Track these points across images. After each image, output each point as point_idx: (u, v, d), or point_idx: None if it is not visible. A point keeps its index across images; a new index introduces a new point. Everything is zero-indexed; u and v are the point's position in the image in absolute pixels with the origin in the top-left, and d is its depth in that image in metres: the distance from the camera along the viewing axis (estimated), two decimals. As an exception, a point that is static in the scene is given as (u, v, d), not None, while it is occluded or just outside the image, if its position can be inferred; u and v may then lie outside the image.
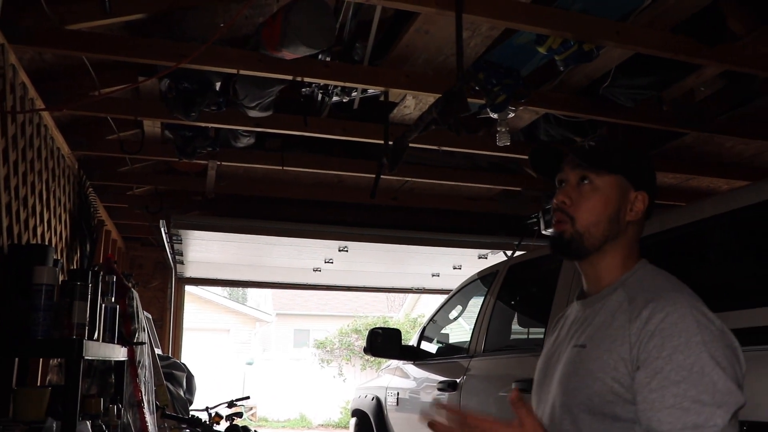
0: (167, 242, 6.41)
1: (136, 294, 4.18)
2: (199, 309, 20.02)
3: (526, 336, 4.24)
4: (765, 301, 2.32)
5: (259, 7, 3.48)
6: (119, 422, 3.45)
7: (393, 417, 5.38)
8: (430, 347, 5.21)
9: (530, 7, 2.99)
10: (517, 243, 5.64)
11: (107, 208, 6.08)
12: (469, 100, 3.48)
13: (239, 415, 6.13)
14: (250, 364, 20.64)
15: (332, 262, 7.51)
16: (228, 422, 5.85)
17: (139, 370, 3.95)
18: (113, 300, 3.22)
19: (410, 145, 3.58)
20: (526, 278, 4.26)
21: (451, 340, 5.38)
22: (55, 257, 2.74)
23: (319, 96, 4.00)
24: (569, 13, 3.02)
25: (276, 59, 3.26)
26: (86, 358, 2.43)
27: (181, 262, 7.50)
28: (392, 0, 2.80)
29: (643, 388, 1.28)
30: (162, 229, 5.90)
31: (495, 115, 3.72)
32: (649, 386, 1.27)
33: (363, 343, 5.13)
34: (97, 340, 2.80)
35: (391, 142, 3.79)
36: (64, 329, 2.43)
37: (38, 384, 3.53)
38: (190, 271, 8.32)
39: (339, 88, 3.89)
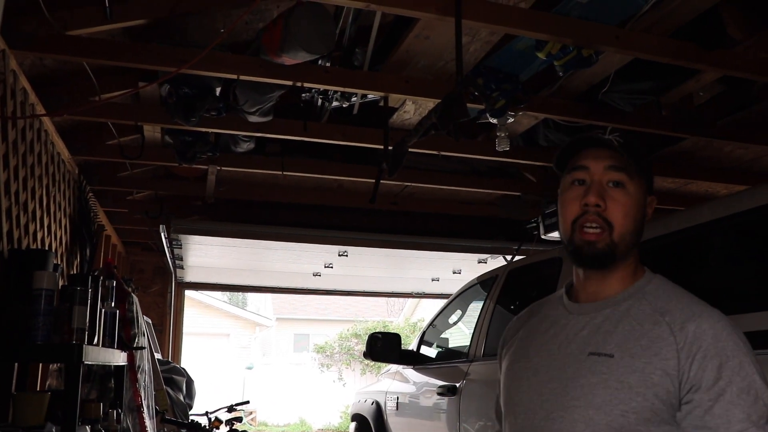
0: (167, 247, 6.41)
1: (135, 299, 4.18)
2: (199, 314, 20.00)
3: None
4: (764, 305, 2.33)
5: (260, 13, 3.49)
6: (119, 427, 3.45)
7: (393, 422, 5.37)
8: (430, 352, 5.21)
9: (529, 12, 3.00)
10: (516, 248, 5.63)
11: (107, 212, 6.08)
12: (469, 105, 3.50)
13: (239, 419, 6.14)
14: (250, 368, 20.63)
15: (332, 267, 7.52)
16: (227, 427, 5.85)
17: (138, 375, 3.95)
18: (113, 305, 3.22)
19: (410, 150, 3.59)
20: (526, 283, 4.26)
21: (451, 345, 5.38)
22: (55, 262, 2.75)
23: (319, 101, 4.01)
24: (568, 18, 3.03)
25: (276, 65, 3.27)
26: (86, 362, 2.43)
27: (181, 267, 7.50)
28: (392, 6, 2.80)
29: (704, 410, 1.21)
30: (162, 234, 5.91)
31: (494, 120, 3.72)
32: (711, 411, 1.20)
33: (363, 347, 5.14)
34: (97, 344, 2.79)
35: (390, 147, 3.80)
36: (64, 334, 2.43)
37: (38, 389, 3.54)
38: (190, 276, 8.32)
39: (339, 94, 3.90)
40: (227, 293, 23.90)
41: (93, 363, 2.93)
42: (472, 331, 4.58)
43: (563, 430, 1.29)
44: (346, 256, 6.75)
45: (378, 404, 5.79)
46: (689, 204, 5.11)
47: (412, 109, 4.15)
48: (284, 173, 5.08)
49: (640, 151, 1.40)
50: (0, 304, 2.48)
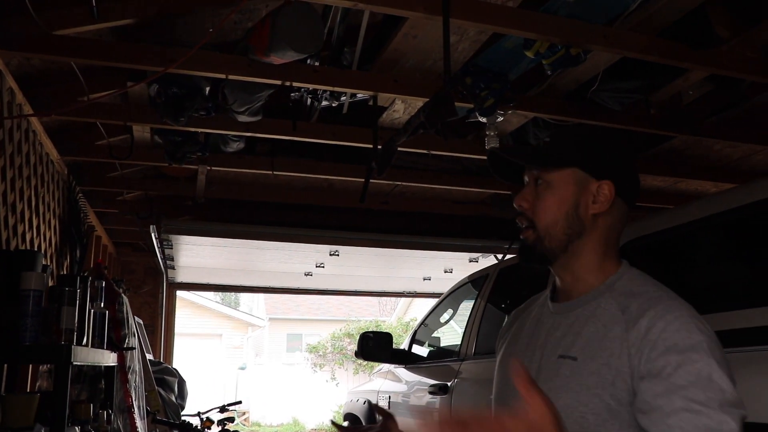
0: (158, 247, 6.40)
1: (126, 299, 4.17)
2: (191, 314, 19.98)
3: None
4: (753, 302, 2.34)
5: (248, 12, 3.48)
6: (109, 428, 3.44)
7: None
8: (422, 351, 5.22)
9: (517, 11, 3.01)
10: (507, 246, 5.65)
11: (98, 213, 6.06)
12: (457, 104, 3.51)
13: (231, 419, 6.13)
14: (242, 369, 20.62)
15: (324, 267, 7.52)
16: (219, 427, 5.85)
17: (129, 376, 3.94)
18: (102, 305, 3.21)
19: (400, 149, 3.59)
20: (517, 281, 4.27)
21: (443, 344, 5.39)
22: (44, 263, 2.74)
23: (309, 101, 4.01)
24: (556, 17, 3.04)
25: (265, 64, 3.27)
26: (75, 363, 2.42)
27: (172, 267, 7.49)
28: (379, 5, 2.80)
29: (649, 394, 1.18)
30: (152, 235, 5.89)
31: (483, 119, 3.73)
32: (653, 392, 1.18)
33: (355, 347, 5.14)
34: (86, 345, 2.79)
35: (379, 147, 3.80)
36: (53, 335, 2.43)
37: (28, 390, 3.53)
38: (182, 276, 8.31)
39: (328, 93, 3.90)
40: (220, 294, 23.90)
41: (82, 364, 2.92)
42: (463, 329, 4.59)
43: None
44: (338, 255, 6.75)
45: (370, 404, 5.79)
46: (679, 202, 5.13)
47: (401, 109, 4.15)
48: (274, 173, 5.08)
49: (565, 143, 1.41)
50: (-12, 305, 2.46)
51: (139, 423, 3.93)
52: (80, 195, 4.86)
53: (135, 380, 4.09)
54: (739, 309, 2.37)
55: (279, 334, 23.39)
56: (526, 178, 1.42)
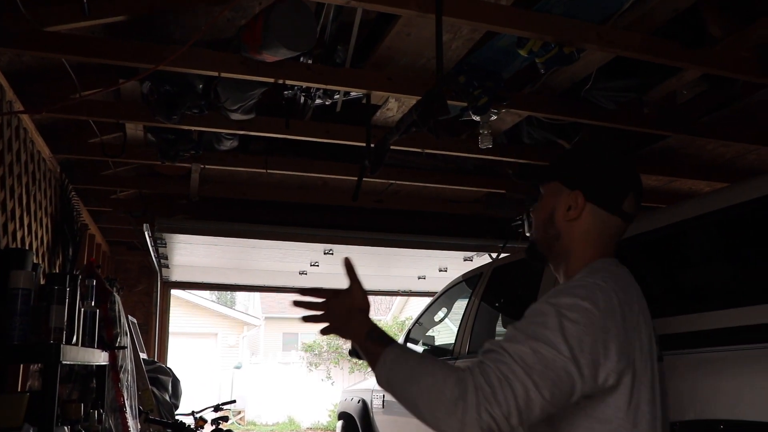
0: (152, 246, 6.38)
1: (118, 298, 4.16)
2: (186, 313, 19.94)
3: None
4: (744, 301, 2.34)
5: (241, 10, 3.46)
6: (100, 427, 3.42)
7: (379, 420, 5.37)
8: (416, 349, 5.20)
9: (511, 10, 3.00)
10: (501, 245, 5.65)
11: (91, 212, 6.04)
12: (451, 102, 3.50)
13: (225, 419, 6.11)
14: (238, 368, 20.59)
15: (318, 265, 7.50)
16: (213, 426, 5.82)
17: (121, 375, 3.92)
18: (93, 304, 3.20)
19: (394, 147, 3.59)
20: (511, 280, 4.27)
21: (437, 342, 5.39)
22: (35, 261, 2.72)
23: (302, 99, 3.99)
24: (550, 15, 3.03)
25: (257, 62, 3.25)
26: (64, 362, 2.41)
27: (167, 266, 7.47)
28: (372, 2, 2.79)
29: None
30: (146, 233, 5.87)
31: (477, 118, 3.73)
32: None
33: (350, 346, 5.11)
34: (76, 344, 2.77)
35: (372, 145, 3.79)
36: (42, 334, 2.41)
37: (19, 390, 3.50)
38: (176, 275, 8.29)
39: (321, 91, 3.89)
40: (215, 293, 23.86)
41: (72, 363, 2.91)
42: (457, 328, 4.59)
43: None
44: (332, 254, 6.74)
45: (364, 402, 5.79)
46: (673, 202, 5.13)
47: (395, 107, 4.14)
48: (268, 171, 5.06)
49: (555, 161, 1.64)
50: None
51: (131, 422, 3.91)
52: (73, 193, 4.84)
53: (127, 379, 4.07)
54: (733, 307, 2.37)
55: (275, 333, 23.37)
56: (542, 191, 1.65)
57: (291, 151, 5.11)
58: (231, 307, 24.94)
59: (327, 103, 4.02)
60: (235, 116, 3.91)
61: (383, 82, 3.62)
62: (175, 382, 6.44)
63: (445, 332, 5.29)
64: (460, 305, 4.82)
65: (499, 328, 4.31)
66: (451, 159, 5.38)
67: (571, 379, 1.26)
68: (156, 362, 6.88)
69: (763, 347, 2.16)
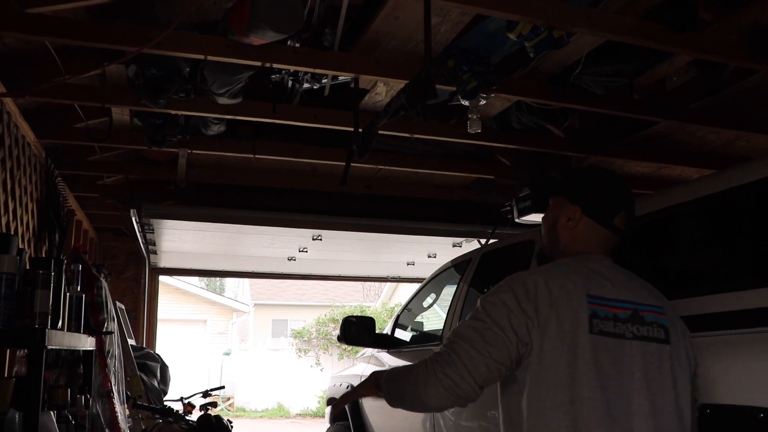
0: (139, 232, 6.34)
1: (105, 284, 4.13)
2: (175, 300, 19.91)
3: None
4: (731, 286, 2.34)
5: (228, -8, 3.43)
6: (87, 412, 3.41)
7: (368, 405, 5.37)
8: (404, 335, 5.21)
9: (500, -8, 2.97)
10: (490, 231, 5.65)
11: (78, 198, 5.99)
12: (440, 87, 3.47)
13: (214, 404, 6.10)
14: (227, 354, 20.60)
15: (307, 251, 7.48)
16: (201, 411, 5.81)
17: (108, 360, 3.91)
18: (79, 289, 3.17)
19: (383, 132, 3.56)
20: (499, 266, 4.26)
21: (425, 328, 5.38)
22: (20, 247, 2.69)
23: (290, 83, 3.96)
24: (539, -1, 3.01)
25: (244, 45, 3.22)
26: (49, 347, 2.39)
27: (155, 252, 7.42)
28: (360, -16, 2.76)
29: None
30: (133, 219, 5.83)
31: (466, 102, 3.70)
32: None
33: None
34: (62, 329, 2.75)
35: (360, 130, 3.76)
36: (26, 318, 2.39)
37: (5, 375, 3.48)
38: (164, 261, 8.25)
39: (309, 75, 3.85)
40: (204, 279, 23.83)
41: (58, 348, 2.89)
42: (446, 314, 4.58)
43: None
44: (321, 240, 6.72)
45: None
46: (662, 188, 5.13)
47: (383, 91, 4.11)
48: (256, 156, 5.03)
49: (562, 178, 2.05)
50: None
51: (118, 407, 3.90)
52: (59, 179, 4.79)
53: (114, 365, 4.06)
54: (721, 293, 2.37)
55: (264, 319, 23.37)
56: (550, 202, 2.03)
57: (279, 136, 5.07)
58: (220, 294, 24.92)
59: (315, 87, 3.99)
60: (222, 100, 3.87)
61: (371, 66, 3.58)
62: (164, 368, 6.43)
63: (434, 318, 5.28)
64: (449, 291, 4.81)
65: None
66: (440, 144, 5.36)
67: (499, 338, 1.67)
68: (144, 348, 6.87)
69: (756, 332, 2.17)
